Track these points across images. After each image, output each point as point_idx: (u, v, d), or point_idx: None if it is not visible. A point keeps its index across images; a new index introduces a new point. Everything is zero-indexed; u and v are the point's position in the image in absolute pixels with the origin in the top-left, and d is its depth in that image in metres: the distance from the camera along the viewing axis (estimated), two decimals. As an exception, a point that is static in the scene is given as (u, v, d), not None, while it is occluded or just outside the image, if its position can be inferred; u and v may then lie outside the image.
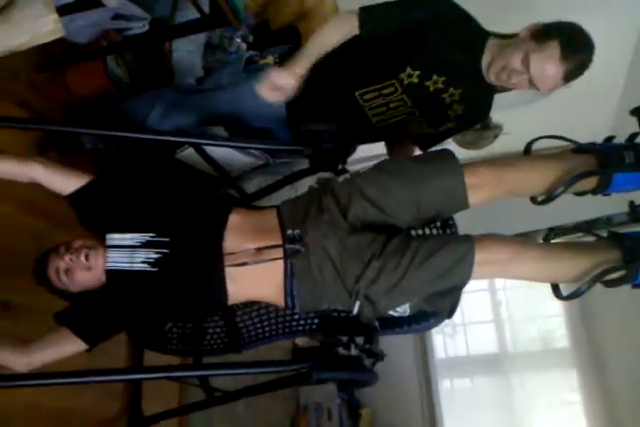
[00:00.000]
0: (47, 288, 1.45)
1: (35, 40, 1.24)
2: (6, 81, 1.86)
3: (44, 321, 1.71)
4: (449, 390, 4.03)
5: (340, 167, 1.62)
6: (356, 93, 1.67)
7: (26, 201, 1.82)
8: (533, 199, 1.46)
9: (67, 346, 1.39)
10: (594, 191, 1.40)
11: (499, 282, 4.17)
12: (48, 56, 2.00)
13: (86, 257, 1.40)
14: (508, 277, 1.38)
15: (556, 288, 1.41)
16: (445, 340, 4.19)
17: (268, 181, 2.07)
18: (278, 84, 1.58)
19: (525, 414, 3.76)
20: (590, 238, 1.43)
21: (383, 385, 3.59)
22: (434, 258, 1.27)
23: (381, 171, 1.45)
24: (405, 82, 1.62)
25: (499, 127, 3.65)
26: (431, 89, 1.63)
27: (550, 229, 1.46)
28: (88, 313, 1.44)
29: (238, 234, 1.43)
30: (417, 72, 1.60)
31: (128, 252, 1.43)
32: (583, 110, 3.48)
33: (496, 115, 3.54)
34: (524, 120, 3.25)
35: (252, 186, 2.12)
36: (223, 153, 1.77)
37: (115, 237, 1.45)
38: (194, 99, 1.83)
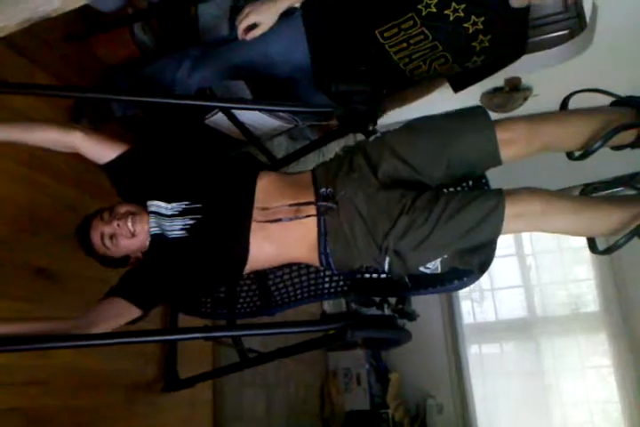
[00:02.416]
0: (87, 252, 1.50)
1: (65, 5, 1.26)
2: (37, 51, 1.89)
3: (77, 285, 1.80)
4: (477, 355, 4.07)
5: (370, 128, 1.62)
6: (376, 32, 1.64)
7: (62, 171, 1.87)
8: (570, 155, 1.44)
9: (122, 314, 1.40)
10: (633, 145, 1.37)
11: (527, 247, 4.15)
12: (76, 26, 2.03)
13: (132, 223, 1.45)
14: (542, 230, 1.36)
15: (591, 242, 1.39)
16: (473, 305, 4.22)
17: (295, 147, 2.09)
18: (255, 21, 1.59)
19: (554, 378, 3.79)
20: (630, 193, 1.41)
21: (411, 351, 3.70)
22: (463, 212, 1.27)
23: (411, 128, 1.46)
24: (424, 13, 1.58)
25: (528, 89, 3.59)
26: (451, 18, 1.59)
27: (587, 185, 1.43)
28: (139, 281, 1.48)
29: (272, 192, 1.47)
30: (434, 0, 1.56)
31: (168, 219, 1.48)
32: (615, 69, 3.40)
33: (525, 76, 3.50)
34: (555, 81, 3.19)
35: (280, 152, 2.14)
36: (252, 117, 1.79)
37: (155, 204, 1.49)
38: (220, 50, 1.82)
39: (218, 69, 1.80)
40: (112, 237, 1.45)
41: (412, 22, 1.61)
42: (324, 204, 1.38)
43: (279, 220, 1.39)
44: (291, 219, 1.38)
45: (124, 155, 1.53)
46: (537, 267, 4.12)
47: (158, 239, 1.48)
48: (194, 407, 2.41)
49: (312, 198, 1.41)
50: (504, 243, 4.12)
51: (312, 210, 1.39)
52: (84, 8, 1.98)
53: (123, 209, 1.49)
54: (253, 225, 1.44)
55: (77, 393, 1.82)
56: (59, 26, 1.98)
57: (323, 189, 1.42)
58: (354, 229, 1.37)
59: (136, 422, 2.07)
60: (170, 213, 1.48)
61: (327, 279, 1.70)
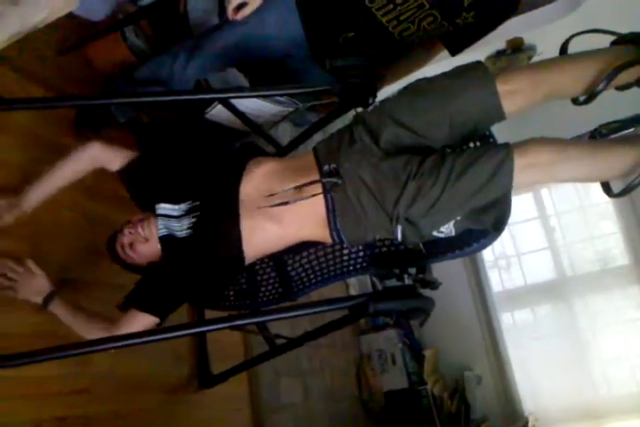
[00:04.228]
0: (120, 265, 1.61)
1: (52, 15, 1.30)
2: (32, 66, 1.93)
3: (100, 294, 1.86)
4: (510, 322, 4.10)
5: (370, 102, 1.63)
6: None
7: (77, 182, 1.94)
8: (575, 100, 1.43)
9: (139, 325, 1.50)
10: (638, 83, 1.36)
11: (549, 208, 4.16)
12: (69, 38, 2.07)
13: (142, 229, 1.54)
14: (554, 179, 1.37)
15: (606, 187, 1.40)
16: (501, 273, 4.24)
17: (300, 132, 2.11)
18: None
19: (591, 336, 3.82)
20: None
21: (443, 325, 3.74)
22: (471, 170, 1.28)
23: (408, 91, 1.47)
24: None
25: (532, 48, 3.55)
26: None
27: (596, 129, 1.42)
28: (152, 289, 1.57)
29: (276, 177, 1.51)
30: None
31: (176, 220, 1.55)
32: (615, 21, 3.37)
33: (527, 35, 3.46)
34: (557, 37, 3.15)
35: (286, 139, 2.16)
36: (251, 105, 1.81)
37: (162, 207, 1.57)
38: (213, 36, 1.83)
39: (213, 56, 1.81)
40: (131, 245, 1.55)
41: None
42: (329, 180, 1.40)
43: (286, 203, 1.41)
44: (297, 200, 1.41)
45: (133, 161, 1.65)
46: (561, 227, 4.13)
47: (169, 240, 1.55)
48: (232, 402, 2.46)
49: (316, 177, 1.43)
50: (525, 206, 4.13)
51: (318, 188, 1.41)
52: (77, 20, 2.05)
53: (136, 218, 1.59)
54: (261, 211, 1.47)
55: (117, 398, 1.87)
56: (52, 39, 2.03)
57: (326, 167, 1.44)
58: (362, 201, 1.39)
59: (176, 421, 2.12)
60: (178, 213, 1.56)
61: (345, 257, 1.72)
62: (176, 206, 1.57)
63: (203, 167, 1.66)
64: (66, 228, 1.86)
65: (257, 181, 1.53)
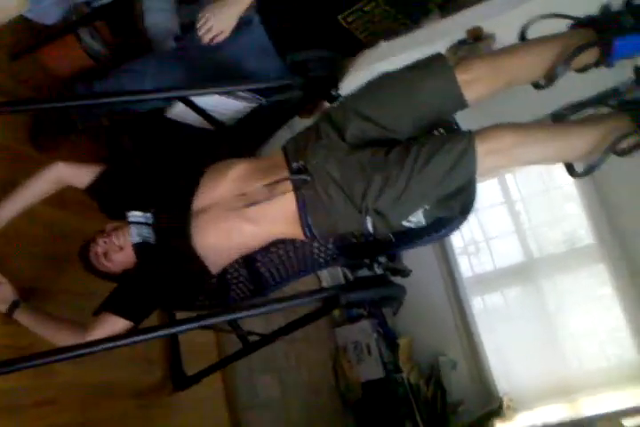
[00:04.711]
0: (94, 274, 1.60)
1: (1, 18, 1.26)
2: None
3: (70, 302, 1.83)
4: (481, 307, 4.16)
5: (333, 93, 1.63)
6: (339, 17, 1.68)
7: None
8: (536, 84, 1.46)
9: (113, 329, 1.48)
10: (597, 63, 1.39)
11: (515, 192, 4.22)
12: (22, 43, 2.02)
13: (117, 237, 1.53)
14: (519, 163, 1.40)
15: (570, 168, 1.43)
16: (470, 259, 4.29)
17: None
18: (215, 28, 1.66)
19: (560, 315, 3.89)
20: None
21: (416, 313, 3.77)
22: (435, 159, 1.30)
23: (371, 86, 1.49)
24: None
25: (490, 37, 3.60)
26: None
27: (558, 110, 1.45)
28: (127, 295, 1.56)
29: (247, 177, 1.51)
30: None
31: (147, 227, 1.56)
32: (572, 8, 3.42)
33: (486, 24, 3.49)
34: (516, 26, 3.18)
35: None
36: (213, 102, 1.79)
37: (133, 214, 1.56)
38: (181, 60, 1.86)
39: (185, 79, 1.84)
40: (105, 254, 1.54)
41: (374, 4, 1.65)
42: (297, 177, 1.41)
43: (256, 202, 1.43)
44: (267, 199, 1.43)
45: (100, 176, 1.65)
46: (527, 211, 4.20)
47: (143, 248, 1.54)
48: (208, 402, 2.45)
49: (286, 175, 1.44)
50: (491, 192, 4.19)
51: (287, 186, 1.43)
52: (29, 24, 2.00)
53: (109, 227, 1.59)
54: (232, 211, 1.49)
55: (88, 407, 1.84)
56: (3, 44, 1.98)
57: (294, 164, 1.45)
58: (331, 196, 1.40)
59: (155, 425, 2.11)
60: (147, 221, 1.57)
61: (315, 251, 1.72)
62: (147, 214, 1.58)
63: (163, 175, 1.69)
64: (29, 237, 1.83)
65: (228, 182, 1.54)
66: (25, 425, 1.63)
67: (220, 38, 1.70)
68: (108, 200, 1.67)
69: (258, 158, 1.62)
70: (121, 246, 1.54)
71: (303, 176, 1.41)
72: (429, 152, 1.32)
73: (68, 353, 1.32)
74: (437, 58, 1.46)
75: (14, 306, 1.53)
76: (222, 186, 1.54)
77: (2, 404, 1.58)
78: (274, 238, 1.61)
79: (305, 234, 1.48)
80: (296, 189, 1.43)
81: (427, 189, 1.35)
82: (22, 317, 1.53)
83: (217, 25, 1.66)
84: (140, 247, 1.54)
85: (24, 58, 2.02)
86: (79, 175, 1.66)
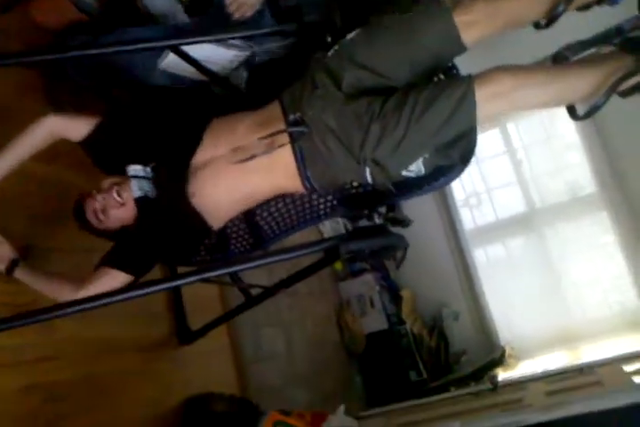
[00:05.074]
0: (90, 232, 1.57)
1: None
2: None
3: (66, 259, 1.83)
4: (484, 259, 4.18)
5: (329, 40, 1.59)
6: None
7: None
8: (536, 24, 1.42)
9: (114, 283, 1.48)
10: (599, 1, 1.36)
11: (516, 141, 4.16)
12: None
13: (118, 193, 1.50)
14: (520, 106, 1.39)
15: (571, 110, 1.40)
16: (472, 211, 4.29)
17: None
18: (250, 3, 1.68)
19: (563, 264, 3.90)
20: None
21: (419, 265, 3.80)
22: (434, 106, 1.28)
23: (366, 31, 1.45)
24: None
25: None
26: None
27: (558, 51, 1.41)
28: (126, 250, 1.55)
29: (242, 130, 1.49)
30: None
31: (147, 181, 1.53)
32: None
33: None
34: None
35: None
36: (204, 51, 1.75)
37: (133, 168, 1.53)
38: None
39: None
40: (103, 211, 1.50)
41: None
42: (295, 129, 1.39)
43: (254, 156, 1.40)
44: (265, 152, 1.40)
45: (97, 128, 1.59)
46: (528, 160, 4.15)
47: (144, 202, 1.52)
48: (214, 356, 2.49)
49: (283, 127, 1.42)
50: (492, 141, 4.14)
51: (285, 138, 1.41)
52: None
53: (107, 183, 1.55)
54: (231, 165, 1.47)
55: (91, 362, 1.87)
56: None
57: (291, 116, 1.42)
58: (329, 147, 1.39)
59: (158, 379, 2.14)
60: (150, 175, 1.54)
61: (315, 202, 1.71)
62: (147, 168, 1.54)
63: (163, 128, 1.63)
64: (22, 195, 1.81)
65: (225, 137, 1.52)
66: (29, 381, 1.66)
67: (248, 13, 1.70)
68: (103, 154, 1.62)
69: (254, 111, 1.57)
70: (121, 202, 1.51)
71: (300, 128, 1.39)
72: (427, 99, 1.29)
73: (69, 308, 1.32)
74: (433, 0, 1.41)
75: (13, 264, 1.52)
76: (222, 142, 1.52)
77: (5, 360, 1.61)
78: (274, 192, 1.60)
79: (305, 186, 1.48)
80: (293, 141, 1.41)
81: (425, 138, 1.33)
82: (22, 275, 1.53)
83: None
84: (141, 202, 1.51)
85: (12, 11, 1.96)
86: (74, 128, 1.60)
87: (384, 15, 1.45)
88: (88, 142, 1.60)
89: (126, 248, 1.55)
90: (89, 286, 1.46)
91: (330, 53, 1.50)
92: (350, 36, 1.48)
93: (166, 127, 1.63)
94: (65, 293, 1.46)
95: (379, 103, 1.35)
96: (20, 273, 1.53)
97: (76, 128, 1.60)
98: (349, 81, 1.41)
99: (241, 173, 1.49)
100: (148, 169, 1.54)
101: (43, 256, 1.80)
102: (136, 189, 1.51)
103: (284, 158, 1.44)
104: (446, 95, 1.28)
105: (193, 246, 1.71)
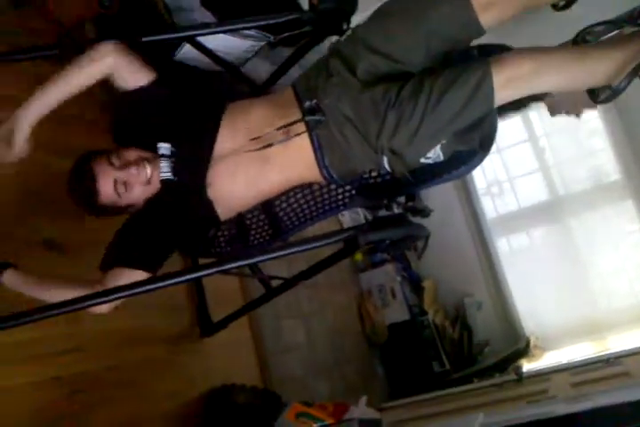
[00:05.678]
0: (84, 202, 1.46)
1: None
2: None
3: (86, 252, 1.84)
4: (507, 248, 4.14)
5: (345, 28, 1.57)
6: None
7: (48, 142, 1.83)
8: (554, 6, 1.39)
9: (130, 280, 1.41)
10: None
11: (538, 129, 4.11)
12: None
13: (151, 168, 1.44)
14: (539, 89, 1.34)
15: (592, 93, 1.36)
16: (494, 199, 4.25)
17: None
18: None
19: (588, 253, 3.86)
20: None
21: (441, 255, 3.78)
22: (450, 92, 1.26)
23: (379, 16, 1.43)
24: None
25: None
26: None
27: (579, 34, 1.37)
28: (136, 240, 1.50)
29: (258, 119, 1.47)
30: None
31: (172, 163, 1.48)
32: None
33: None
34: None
35: (261, 77, 2.10)
36: (220, 42, 1.76)
37: (165, 147, 1.48)
38: None
39: None
40: (126, 184, 1.43)
41: None
42: (312, 118, 1.38)
43: (270, 145, 1.40)
44: (282, 141, 1.39)
45: (150, 85, 1.51)
46: (551, 147, 4.10)
47: (168, 184, 1.48)
48: (235, 347, 2.51)
49: (299, 115, 1.41)
50: (514, 129, 4.09)
51: (302, 127, 1.40)
52: None
53: (133, 154, 1.46)
54: (248, 155, 1.45)
55: (115, 354, 1.90)
56: None
57: (307, 103, 1.41)
58: (346, 136, 1.38)
59: (181, 371, 2.17)
60: (174, 157, 1.49)
61: (333, 193, 1.71)
62: (172, 148, 1.49)
63: (183, 106, 1.57)
64: (44, 188, 1.81)
65: (242, 125, 1.49)
66: (55, 372, 1.69)
67: None
68: (132, 117, 1.54)
69: (268, 98, 1.56)
70: (149, 180, 1.45)
71: (317, 117, 1.38)
72: (443, 85, 1.28)
73: (91, 300, 1.33)
74: None
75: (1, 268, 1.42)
76: (239, 131, 1.49)
77: (32, 352, 1.64)
78: (293, 184, 1.60)
79: (323, 175, 1.48)
80: (310, 129, 1.40)
81: (442, 125, 1.31)
82: (13, 280, 1.43)
83: None
84: (167, 183, 1.47)
85: (27, 5, 1.97)
86: (133, 76, 1.48)
87: None
88: (133, 96, 1.50)
89: (134, 239, 1.50)
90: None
91: (343, 39, 1.48)
92: (363, 21, 1.46)
93: (185, 106, 1.57)
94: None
95: (395, 90, 1.33)
96: (10, 278, 1.43)
97: (135, 77, 1.49)
98: (364, 67, 1.39)
99: (260, 166, 1.48)
100: (174, 150, 1.49)
101: (68, 250, 1.83)
102: (166, 169, 1.47)
103: (301, 147, 1.43)
104: (462, 81, 1.26)
105: (199, 235, 1.66)
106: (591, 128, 3.96)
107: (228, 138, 1.50)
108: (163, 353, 2.12)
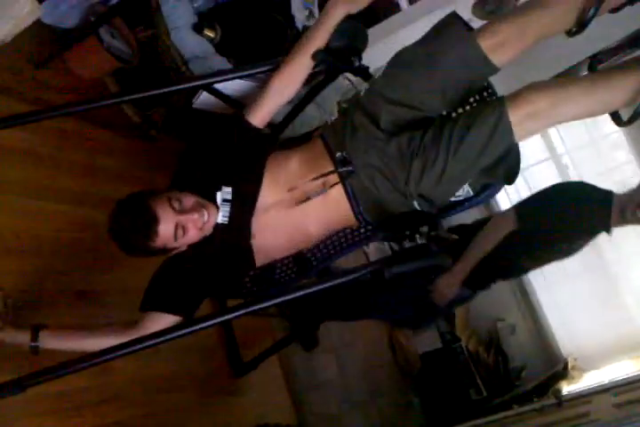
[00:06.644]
0: (133, 243, 1.41)
1: (18, 25, 1.30)
2: (10, 82, 1.93)
3: (117, 300, 1.90)
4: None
5: (356, 64, 1.62)
6: None
7: (70, 194, 1.95)
8: (568, 31, 1.41)
9: (165, 325, 1.43)
10: (631, 0, 1.35)
11: (560, 147, 4.13)
12: (45, 50, 2.06)
13: (208, 215, 1.45)
14: (560, 122, 1.37)
15: (615, 115, 1.39)
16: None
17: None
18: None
19: (619, 268, 3.82)
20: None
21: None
22: (468, 137, 1.32)
23: (393, 66, 1.49)
24: None
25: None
26: None
27: (592, 57, 1.43)
28: (177, 287, 1.52)
29: (293, 170, 1.53)
30: None
31: (228, 208, 1.51)
32: None
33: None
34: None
35: (278, 117, 2.16)
36: (235, 87, 1.81)
37: (227, 191, 1.50)
38: None
39: None
40: (184, 228, 1.41)
41: None
42: (344, 169, 1.44)
43: (308, 198, 1.47)
44: (319, 193, 1.46)
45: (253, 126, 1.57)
46: (574, 164, 4.10)
47: (218, 229, 1.49)
48: (268, 386, 2.53)
49: (331, 166, 1.47)
50: (535, 149, 4.10)
51: (335, 178, 1.46)
52: (49, 31, 2.04)
53: (191, 199, 1.45)
54: (288, 211, 1.51)
55: (150, 401, 1.93)
56: (29, 54, 2.02)
57: (338, 154, 1.47)
58: (377, 185, 1.45)
59: (216, 412, 2.19)
60: (228, 197, 1.51)
61: (355, 228, 1.73)
62: (232, 191, 1.51)
63: (230, 152, 1.58)
64: (75, 241, 1.88)
65: (283, 179, 1.52)
66: (90, 424, 1.72)
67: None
68: (196, 165, 1.57)
69: (297, 149, 1.59)
70: (203, 226, 1.44)
71: (348, 167, 1.44)
72: (462, 130, 1.33)
73: (119, 351, 1.33)
74: (452, 22, 1.43)
75: (36, 330, 1.43)
76: (280, 184, 1.52)
77: (66, 405, 1.67)
78: (328, 231, 1.64)
79: (359, 221, 1.54)
80: (343, 179, 1.46)
81: (465, 167, 1.37)
82: (50, 338, 1.45)
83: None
84: (219, 229, 1.49)
85: (49, 65, 2.06)
86: (263, 105, 1.56)
87: None
88: (243, 129, 1.57)
89: (175, 284, 1.52)
90: (140, 334, 1.38)
91: (363, 93, 1.54)
92: (379, 73, 1.52)
93: (233, 151, 1.58)
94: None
95: (418, 138, 1.39)
96: (46, 340, 1.44)
97: (261, 110, 1.58)
98: (386, 118, 1.45)
99: (300, 219, 1.52)
100: (234, 195, 1.50)
101: (98, 300, 1.88)
102: (223, 214, 1.49)
103: (337, 197, 1.48)
104: (479, 123, 1.31)
105: (234, 280, 1.69)
106: (613, 141, 3.96)
107: (271, 191, 1.53)
108: (196, 396, 2.14)
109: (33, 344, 1.42)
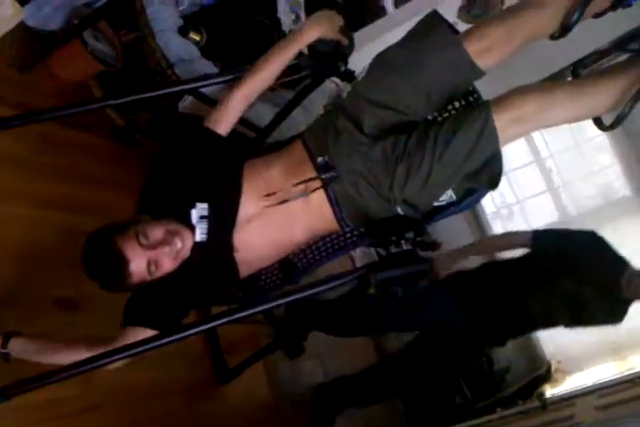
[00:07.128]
0: (112, 285, 1.40)
1: (0, 28, 1.29)
2: None
3: (98, 310, 1.86)
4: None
5: (342, 69, 1.63)
6: None
7: (50, 198, 1.93)
8: (551, 35, 1.42)
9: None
10: (614, 6, 1.36)
11: (543, 150, 4.16)
12: (28, 54, 2.05)
13: (181, 243, 1.39)
14: (546, 125, 1.38)
15: (598, 121, 1.42)
16: (504, 222, 4.26)
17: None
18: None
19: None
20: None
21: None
22: (454, 142, 1.31)
23: (376, 68, 1.47)
24: None
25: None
26: None
27: (576, 63, 1.44)
28: (159, 303, 1.49)
29: (273, 175, 1.50)
30: None
31: (206, 224, 1.46)
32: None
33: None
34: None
35: (264, 121, 2.15)
36: (222, 91, 1.81)
37: (203, 207, 1.45)
38: None
39: None
40: (156, 263, 1.36)
41: None
42: (327, 175, 1.42)
43: (286, 201, 1.44)
44: (299, 197, 1.44)
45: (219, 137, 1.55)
46: (558, 167, 4.14)
47: (197, 248, 1.44)
48: (254, 392, 2.52)
49: (313, 171, 1.45)
50: (519, 152, 4.14)
51: (317, 183, 1.44)
52: (32, 34, 2.03)
53: (159, 231, 1.38)
54: (264, 211, 1.48)
55: (135, 408, 1.91)
56: (12, 59, 2.02)
57: (320, 159, 1.45)
58: (360, 191, 1.44)
59: (202, 420, 2.18)
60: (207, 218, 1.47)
61: (341, 234, 1.73)
62: (209, 207, 1.47)
63: (202, 164, 1.54)
64: (48, 245, 1.86)
65: (263, 187, 1.49)
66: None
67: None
68: (162, 184, 1.51)
69: (281, 157, 1.56)
70: (178, 255, 1.39)
71: (330, 173, 1.42)
72: (447, 135, 1.33)
73: (103, 360, 1.32)
74: (437, 24, 1.42)
75: (7, 337, 1.43)
76: (261, 193, 1.48)
77: (49, 414, 1.66)
78: (312, 237, 1.63)
79: (342, 227, 1.52)
80: (325, 185, 1.44)
81: (450, 172, 1.37)
82: (21, 346, 1.43)
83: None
84: (197, 246, 1.43)
85: (34, 68, 2.05)
86: (223, 116, 1.54)
87: None
88: (210, 138, 1.54)
89: (157, 300, 1.48)
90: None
91: (345, 96, 1.53)
92: (361, 75, 1.51)
93: (204, 165, 1.54)
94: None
95: (402, 143, 1.39)
96: (17, 348, 1.42)
97: (224, 120, 1.56)
98: (370, 122, 1.44)
99: (284, 227, 1.50)
100: (211, 211, 1.46)
101: (79, 308, 1.86)
102: (201, 232, 1.43)
103: (318, 202, 1.47)
104: (466, 128, 1.31)
105: (219, 293, 1.67)
106: (596, 145, 4.01)
107: (251, 202, 1.49)
108: (181, 403, 2.13)
109: (2, 351, 1.41)
